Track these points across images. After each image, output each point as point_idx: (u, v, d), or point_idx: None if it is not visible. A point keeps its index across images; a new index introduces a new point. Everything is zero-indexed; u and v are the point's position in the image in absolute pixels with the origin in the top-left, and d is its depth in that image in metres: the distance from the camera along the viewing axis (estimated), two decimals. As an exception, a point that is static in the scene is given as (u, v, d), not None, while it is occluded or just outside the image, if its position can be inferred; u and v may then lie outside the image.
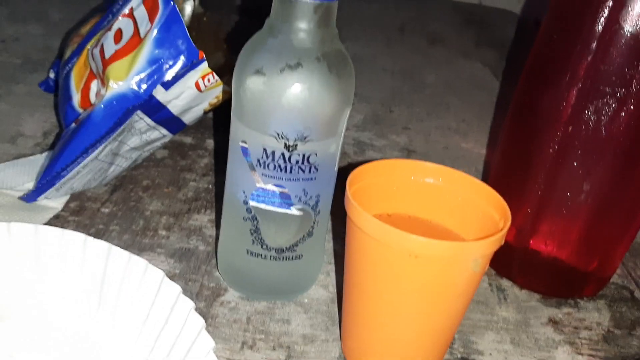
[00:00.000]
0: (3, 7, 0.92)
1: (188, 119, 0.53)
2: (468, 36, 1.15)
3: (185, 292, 0.44)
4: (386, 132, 0.74)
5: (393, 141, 0.72)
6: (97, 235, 0.48)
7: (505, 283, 0.50)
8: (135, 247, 0.48)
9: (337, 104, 0.39)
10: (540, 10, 1.29)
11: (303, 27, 0.37)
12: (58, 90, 0.59)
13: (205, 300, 0.43)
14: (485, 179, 0.65)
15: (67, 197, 0.51)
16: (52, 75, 0.68)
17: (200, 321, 0.34)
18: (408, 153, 0.69)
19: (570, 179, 0.44)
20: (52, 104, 0.67)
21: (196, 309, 0.42)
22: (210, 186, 0.57)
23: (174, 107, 0.50)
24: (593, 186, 0.44)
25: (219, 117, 0.68)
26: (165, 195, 0.55)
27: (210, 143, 0.64)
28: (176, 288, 0.35)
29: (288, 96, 0.37)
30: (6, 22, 0.87)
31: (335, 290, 0.46)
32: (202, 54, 0.48)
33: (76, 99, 0.54)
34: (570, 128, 0.43)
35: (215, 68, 0.52)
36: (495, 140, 0.74)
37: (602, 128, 0.42)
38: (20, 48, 0.80)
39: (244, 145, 0.39)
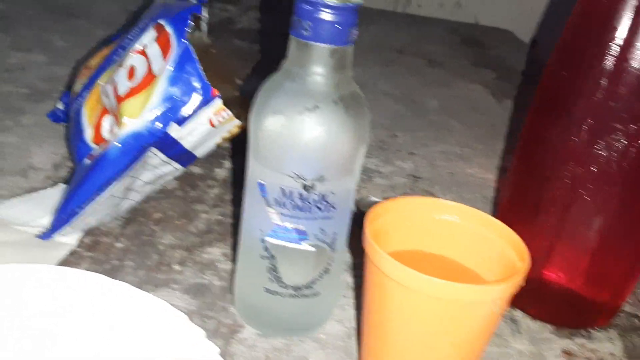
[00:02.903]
0: (6, 35, 0.92)
1: (200, 152, 0.54)
2: (466, 57, 1.17)
3: (203, 329, 0.44)
4: (392, 158, 0.74)
5: (399, 167, 0.72)
6: (113, 271, 0.48)
7: (517, 314, 0.51)
8: (150, 283, 0.48)
9: (353, 144, 0.40)
10: (536, 28, 1.31)
11: (320, 71, 0.38)
12: (68, 122, 0.59)
13: (223, 338, 0.44)
14: (494, 205, 0.66)
15: (81, 233, 0.51)
16: (60, 106, 0.68)
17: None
18: (414, 179, 0.70)
19: (582, 213, 0.45)
20: (60, 135, 0.67)
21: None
22: (221, 217, 0.57)
23: (187, 143, 0.50)
24: (605, 220, 0.45)
25: (228, 147, 0.69)
26: (177, 228, 0.55)
27: (219, 172, 0.65)
28: (200, 332, 0.36)
29: (306, 138, 0.38)
30: (10, 51, 0.87)
31: (351, 325, 0.47)
32: (215, 92, 0.48)
33: (88, 134, 0.54)
34: (581, 164, 0.44)
35: (224, 101, 0.52)
36: (500, 165, 0.75)
37: (613, 164, 0.43)
38: (25, 77, 0.80)
39: (261, 182, 0.40)
